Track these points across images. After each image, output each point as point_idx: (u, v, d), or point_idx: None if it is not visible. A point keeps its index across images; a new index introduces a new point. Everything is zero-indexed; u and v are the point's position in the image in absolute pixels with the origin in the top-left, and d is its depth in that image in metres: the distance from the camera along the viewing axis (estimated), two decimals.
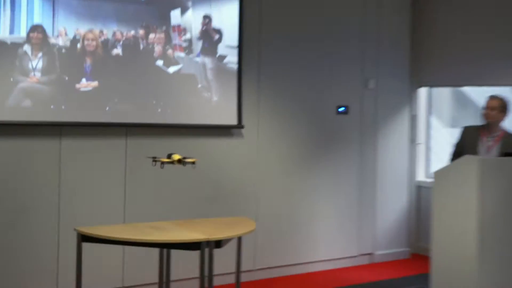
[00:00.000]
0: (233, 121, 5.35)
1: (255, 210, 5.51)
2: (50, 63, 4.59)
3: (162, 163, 3.87)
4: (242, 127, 5.39)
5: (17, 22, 4.44)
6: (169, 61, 5.05)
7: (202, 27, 5.17)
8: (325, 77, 5.90)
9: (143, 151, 4.86)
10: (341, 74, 5.99)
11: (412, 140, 6.50)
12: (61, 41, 4.61)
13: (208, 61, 5.20)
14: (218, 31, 5.25)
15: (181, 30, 5.08)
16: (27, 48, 4.49)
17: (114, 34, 4.81)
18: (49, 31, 4.57)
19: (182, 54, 5.10)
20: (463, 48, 6.11)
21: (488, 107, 4.60)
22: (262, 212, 5.55)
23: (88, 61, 4.74)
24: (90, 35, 4.70)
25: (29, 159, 4.56)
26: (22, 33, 4.47)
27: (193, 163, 3.89)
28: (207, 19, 5.19)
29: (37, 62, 4.54)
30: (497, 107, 4.60)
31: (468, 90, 6.75)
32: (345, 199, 6.06)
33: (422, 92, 6.60)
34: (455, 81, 6.32)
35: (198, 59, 5.16)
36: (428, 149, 6.62)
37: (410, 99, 6.49)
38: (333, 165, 5.99)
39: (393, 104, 6.36)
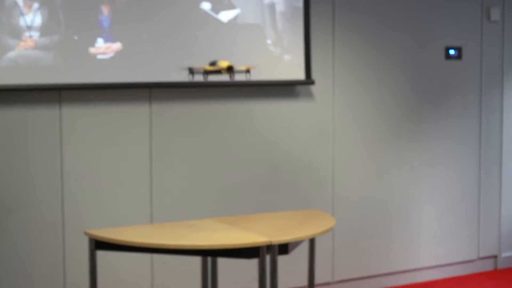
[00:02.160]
0: (299, 74, 5.29)
1: (331, 200, 5.50)
2: (51, 17, 4.57)
3: (205, 72, 3.87)
4: (311, 82, 5.33)
5: None
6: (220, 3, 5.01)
7: None
8: (429, 7, 5.78)
9: (173, 120, 4.88)
10: (451, 2, 5.86)
11: None
12: None
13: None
14: None
15: None
16: None
17: None
18: None
19: None
20: None
21: None
22: (340, 203, 5.53)
23: (105, 11, 4.72)
24: None
25: (21, 135, 4.62)
26: None
27: (247, 71, 3.90)
28: None
29: (32, 18, 4.53)
30: None
31: None
32: (458, 184, 5.99)
33: None
34: None
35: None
36: None
37: None
38: (440, 135, 5.91)
39: None
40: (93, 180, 4.80)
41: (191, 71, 3.79)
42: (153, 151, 4.95)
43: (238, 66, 3.65)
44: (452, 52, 5.89)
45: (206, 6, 4.97)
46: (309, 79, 5.32)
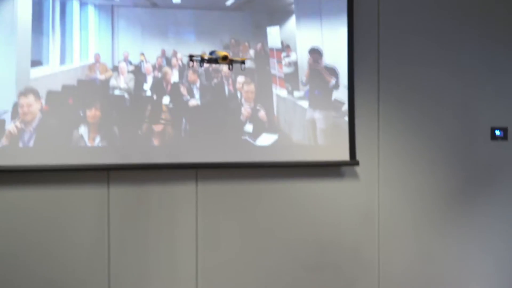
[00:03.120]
0: (344, 155, 5.31)
1: (377, 284, 5.44)
2: None
3: (202, 60, 4.02)
4: (356, 163, 5.33)
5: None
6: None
7: (310, 65, 5.31)
8: (473, 87, 5.75)
9: (219, 199, 4.93)
10: (497, 82, 5.82)
11: None
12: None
13: (319, 116, 5.31)
14: (333, 71, 5.35)
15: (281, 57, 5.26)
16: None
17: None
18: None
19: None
20: None
21: None
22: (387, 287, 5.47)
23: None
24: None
25: (70, 212, 4.63)
26: None
27: (242, 62, 4.00)
28: (316, 54, 5.31)
29: None
30: None
31: None
32: (511, 268, 5.88)
33: None
34: None
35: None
36: None
37: None
38: (487, 217, 5.80)
39: None
40: (139, 260, 4.78)
41: (191, 58, 4.08)
42: (199, 231, 4.93)
43: (234, 57, 3.91)
44: (497, 132, 5.83)
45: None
46: (353, 160, 5.31)
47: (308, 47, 5.29)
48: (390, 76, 5.51)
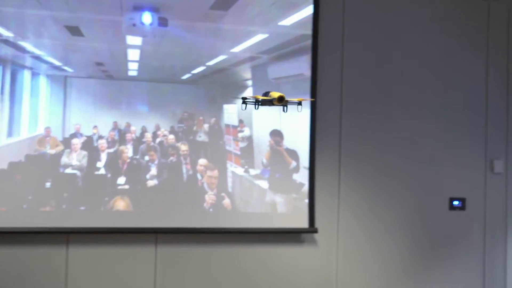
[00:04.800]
0: (304, 223, 5.36)
1: None
2: None
3: (257, 102, 3.72)
4: (315, 231, 5.37)
5: None
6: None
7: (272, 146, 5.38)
8: (433, 159, 5.84)
9: (178, 263, 4.95)
10: (455, 154, 5.92)
11: None
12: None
13: (280, 199, 5.38)
14: (294, 154, 5.43)
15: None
16: None
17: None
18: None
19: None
20: None
21: None
22: None
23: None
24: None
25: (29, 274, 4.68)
26: None
27: (299, 103, 3.77)
28: (277, 136, 5.39)
29: None
30: None
31: None
32: None
33: None
34: None
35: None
36: None
37: None
38: (445, 283, 5.83)
39: None
40: None
41: (244, 100, 3.68)
42: None
43: (290, 98, 3.68)
44: (456, 203, 5.88)
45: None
46: (312, 228, 5.35)
47: (267, 127, 5.33)
48: (350, 151, 5.57)
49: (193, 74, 5.16)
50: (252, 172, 5.28)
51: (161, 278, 5.01)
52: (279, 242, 5.32)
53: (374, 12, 5.72)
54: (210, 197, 5.12)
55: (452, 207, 5.89)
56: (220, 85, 5.22)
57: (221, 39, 5.22)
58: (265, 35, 5.35)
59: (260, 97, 3.66)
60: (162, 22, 5.05)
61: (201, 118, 5.16)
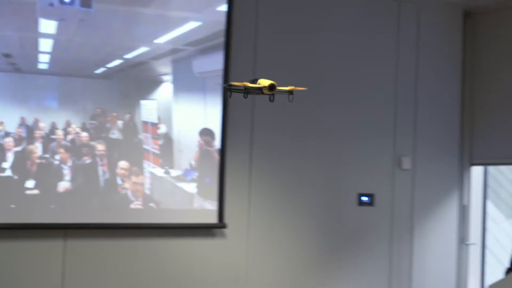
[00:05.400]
0: (212, 218, 5.36)
1: None
2: None
3: (246, 90, 3.35)
4: (223, 226, 5.39)
5: None
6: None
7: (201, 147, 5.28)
8: (342, 156, 5.93)
9: (87, 258, 4.89)
10: (364, 151, 6.03)
11: (462, 240, 6.49)
12: None
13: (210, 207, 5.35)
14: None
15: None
16: None
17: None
18: None
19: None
20: None
21: None
22: None
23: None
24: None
25: None
26: None
27: (290, 93, 3.47)
28: (208, 136, 5.30)
29: None
30: None
31: None
32: None
33: (476, 173, 6.62)
34: None
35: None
36: (483, 252, 6.58)
37: (459, 183, 6.50)
38: (354, 276, 5.96)
39: (436, 191, 6.36)
40: None
41: (229, 88, 3.31)
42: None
43: (281, 87, 3.36)
44: (364, 198, 6.00)
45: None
46: (221, 223, 5.36)
47: (188, 124, 5.23)
48: (262, 147, 5.61)
49: (108, 68, 4.98)
50: (174, 173, 5.18)
51: (70, 272, 4.92)
52: (190, 237, 5.33)
53: (288, 8, 5.73)
54: (136, 207, 5.00)
55: (360, 203, 6.00)
56: (137, 80, 5.08)
57: (145, 27, 5.05)
58: (198, 23, 5.22)
59: (249, 85, 3.33)
60: (85, 1, 4.75)
61: (114, 114, 4.99)
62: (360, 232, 6.02)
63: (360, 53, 5.98)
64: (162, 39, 5.13)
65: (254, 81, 3.37)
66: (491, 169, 6.76)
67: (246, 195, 5.55)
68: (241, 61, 5.51)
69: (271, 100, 3.42)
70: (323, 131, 5.85)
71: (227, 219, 5.40)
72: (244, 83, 3.33)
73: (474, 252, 6.53)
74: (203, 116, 5.26)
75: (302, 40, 5.77)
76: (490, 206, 6.82)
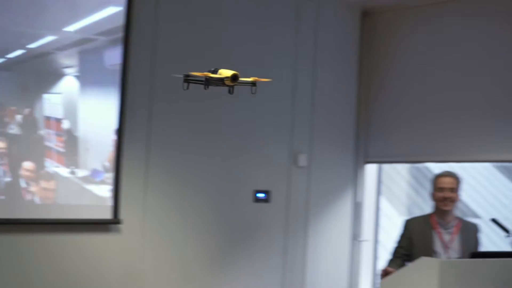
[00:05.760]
0: (108, 214, 5.28)
1: None
2: None
3: (207, 81, 3.16)
4: (118, 222, 5.33)
5: None
6: None
7: None
8: (239, 152, 5.95)
9: None
10: (261, 148, 6.06)
11: (355, 236, 6.63)
12: None
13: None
14: None
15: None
16: None
17: None
18: None
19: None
20: (421, 117, 6.36)
21: (445, 188, 4.80)
22: None
23: None
24: None
25: None
26: None
27: (253, 84, 3.31)
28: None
29: None
30: (456, 187, 4.81)
31: (431, 167, 6.98)
32: None
33: (370, 170, 6.77)
34: (412, 156, 6.54)
35: None
36: (376, 247, 6.73)
37: (353, 180, 6.65)
38: (249, 271, 6.01)
39: (331, 188, 6.48)
40: None
41: (186, 79, 3.12)
42: None
43: (243, 78, 3.20)
44: (260, 195, 6.04)
45: None
46: (116, 219, 5.30)
47: (97, 120, 5.08)
48: (160, 143, 5.57)
49: (8, 58, 4.69)
50: (80, 173, 5.03)
51: None
52: (85, 233, 5.24)
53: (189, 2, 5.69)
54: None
55: (256, 199, 6.05)
56: (39, 72, 4.84)
57: (53, 13, 4.79)
58: (118, 8, 5.04)
59: (211, 75, 3.13)
60: None
61: (13, 108, 4.76)
62: (256, 228, 6.06)
63: (259, 49, 6.01)
64: (72, 27, 4.91)
65: (215, 71, 3.21)
66: (385, 166, 6.93)
67: (142, 191, 5.49)
68: (141, 55, 5.44)
69: (231, 92, 3.27)
70: (220, 127, 5.85)
71: (122, 215, 5.33)
72: (205, 73, 3.16)
73: (366, 248, 6.70)
74: (116, 113, 5.15)
75: (202, 35, 5.75)
76: (383, 202, 7.00)
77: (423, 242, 4.78)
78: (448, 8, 6.25)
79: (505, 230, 4.62)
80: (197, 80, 3.21)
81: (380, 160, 6.73)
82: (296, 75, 6.25)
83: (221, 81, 3.19)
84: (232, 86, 3.22)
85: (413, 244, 4.81)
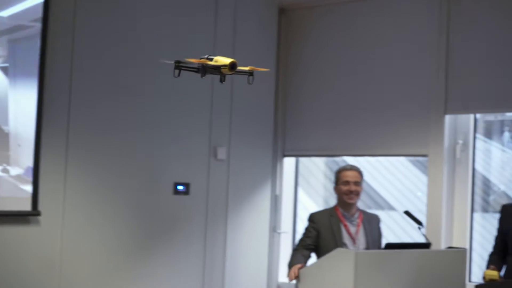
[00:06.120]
0: (26, 206, 5.26)
1: None
2: None
3: (203, 69, 2.99)
4: (38, 214, 5.32)
5: None
6: None
7: None
8: (159, 146, 6.01)
9: None
10: (181, 141, 6.14)
11: (274, 228, 6.76)
12: None
13: None
14: None
15: None
16: None
17: None
18: None
19: None
20: (337, 112, 6.56)
21: (350, 182, 4.97)
22: None
23: None
24: None
25: None
26: None
27: (250, 74, 3.17)
28: None
29: None
30: (359, 180, 5.01)
31: (348, 160, 7.17)
32: None
33: (288, 163, 6.92)
34: (329, 150, 6.73)
35: None
36: (294, 239, 6.85)
37: (272, 173, 6.78)
38: (169, 263, 6.07)
39: (250, 181, 6.61)
40: None
41: (178, 65, 2.91)
42: None
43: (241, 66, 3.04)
44: (180, 187, 6.11)
45: None
46: (35, 211, 5.29)
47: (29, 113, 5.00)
48: (79, 135, 5.58)
49: None
50: (13, 171, 4.98)
51: None
52: (3, 225, 5.21)
53: None
54: None
55: (176, 192, 6.11)
56: None
57: None
58: None
59: (209, 62, 2.96)
60: None
61: None
62: (176, 221, 6.13)
63: (178, 44, 6.06)
64: (5, 12, 4.79)
65: (210, 59, 3.09)
66: (303, 159, 7.09)
67: (62, 183, 5.49)
68: (60, 48, 5.45)
69: (222, 81, 3.11)
70: (140, 121, 5.90)
71: (41, 207, 5.32)
72: (202, 60, 3.00)
73: (285, 240, 6.84)
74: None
75: (118, 23, 5.80)
76: (301, 194, 7.16)
77: (331, 235, 4.91)
78: (360, 6, 6.48)
79: (418, 222, 4.84)
80: (189, 67, 3.11)
81: (298, 154, 6.88)
82: None
83: (217, 69, 3.07)
84: (224, 76, 3.09)
85: (320, 237, 4.93)
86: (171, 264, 6.09)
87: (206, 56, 3.11)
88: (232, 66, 3.05)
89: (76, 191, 5.59)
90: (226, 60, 3.04)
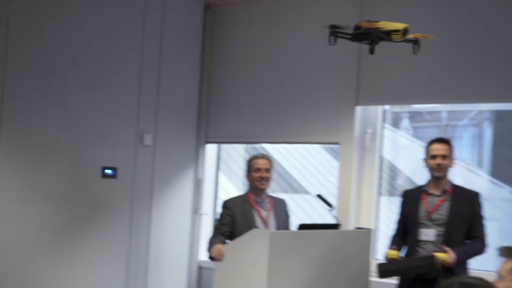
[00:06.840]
0: None
1: None
2: None
3: (375, 35, 2.53)
4: None
5: None
6: None
7: None
8: (87, 131, 6.20)
9: None
10: (108, 127, 6.34)
11: (196, 210, 7.07)
12: None
13: None
14: None
15: None
16: None
17: None
18: None
19: None
20: (256, 102, 6.90)
21: (261, 169, 5.20)
22: None
23: None
24: None
25: None
26: None
27: (415, 42, 2.74)
28: None
29: None
30: (270, 167, 5.28)
31: (267, 147, 7.55)
32: (109, 285, 6.38)
33: (210, 149, 7.25)
34: (248, 137, 7.08)
35: None
36: (215, 220, 7.06)
37: (195, 159, 7.09)
38: (96, 245, 6.26)
39: (174, 166, 6.88)
40: None
41: (334, 31, 2.45)
42: None
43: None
44: (108, 171, 6.32)
45: None
46: None
47: None
48: (11, 118, 5.72)
49: None
50: None
51: None
52: None
53: None
54: None
55: (104, 175, 6.31)
56: None
57: None
58: None
59: (381, 27, 2.52)
60: None
61: None
62: (103, 204, 6.33)
63: (106, 37, 6.30)
64: None
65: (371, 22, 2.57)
66: (225, 146, 7.41)
67: None
68: None
69: (372, 51, 2.57)
70: (68, 108, 6.06)
71: None
72: (374, 24, 2.55)
73: (206, 221, 7.17)
74: None
75: (53, 18, 5.99)
76: (223, 178, 7.47)
77: (245, 220, 5.12)
78: (280, 2, 6.82)
79: (329, 204, 5.18)
80: (344, 33, 2.72)
81: (219, 141, 7.20)
82: (143, 58, 6.55)
83: (387, 34, 2.69)
84: (374, 47, 2.63)
85: (235, 223, 5.13)
86: (98, 245, 6.28)
87: (366, 20, 2.73)
88: (405, 31, 2.76)
89: (4, 175, 5.71)
90: (400, 25, 2.72)
